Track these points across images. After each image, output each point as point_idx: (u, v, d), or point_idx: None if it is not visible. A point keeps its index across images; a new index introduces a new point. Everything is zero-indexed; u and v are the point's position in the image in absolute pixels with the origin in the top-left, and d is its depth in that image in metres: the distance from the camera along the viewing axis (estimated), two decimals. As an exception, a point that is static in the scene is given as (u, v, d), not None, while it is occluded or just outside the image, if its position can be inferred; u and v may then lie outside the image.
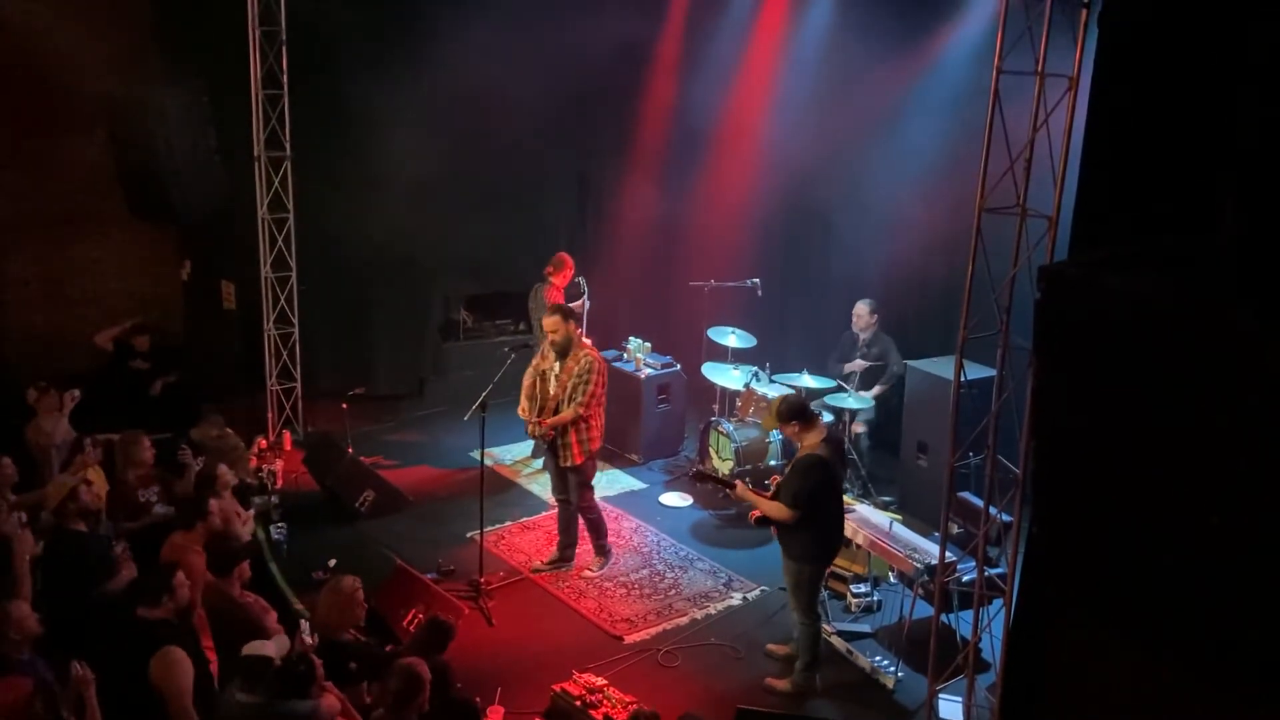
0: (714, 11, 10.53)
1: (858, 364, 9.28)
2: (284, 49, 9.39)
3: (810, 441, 6.51)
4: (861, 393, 9.09)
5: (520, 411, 7.87)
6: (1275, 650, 3.40)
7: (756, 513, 6.66)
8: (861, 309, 9.34)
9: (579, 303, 9.78)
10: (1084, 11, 5.21)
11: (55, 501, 6.45)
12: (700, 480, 7.33)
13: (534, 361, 7.93)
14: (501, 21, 9.90)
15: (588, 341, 9.66)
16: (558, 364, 7.68)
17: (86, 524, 6.52)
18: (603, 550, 8.06)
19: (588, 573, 7.94)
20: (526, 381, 7.89)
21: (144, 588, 5.62)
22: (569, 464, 7.71)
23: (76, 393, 8.16)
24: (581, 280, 9.86)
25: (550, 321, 7.65)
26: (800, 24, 10.13)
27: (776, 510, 6.44)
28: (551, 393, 7.67)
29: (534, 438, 7.91)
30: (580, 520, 8.04)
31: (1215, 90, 4.20)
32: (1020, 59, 5.39)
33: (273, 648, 5.23)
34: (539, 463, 9.52)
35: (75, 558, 6.31)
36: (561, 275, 9.69)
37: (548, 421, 7.61)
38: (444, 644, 5.97)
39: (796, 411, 6.59)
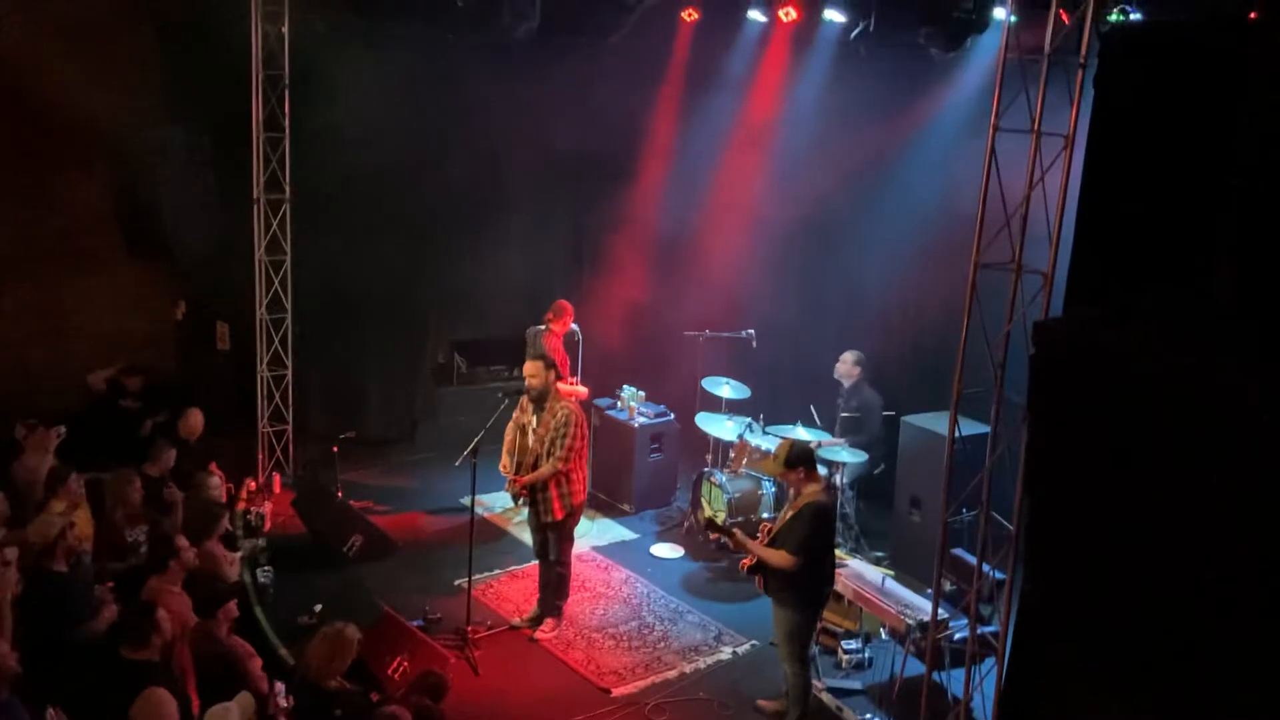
0: (712, 65, 10.63)
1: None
2: (286, 92, 9.46)
3: (812, 490, 6.48)
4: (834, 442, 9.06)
5: (501, 468, 7.74)
6: (1268, 710, 3.36)
7: (748, 561, 6.61)
8: (846, 357, 9.31)
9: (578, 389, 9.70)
10: (1080, 72, 5.27)
11: (41, 541, 6.37)
12: (712, 530, 7.16)
13: (515, 415, 7.78)
14: (502, 73, 10.00)
15: (583, 390, 9.68)
16: (535, 417, 7.57)
17: (68, 564, 6.45)
18: (558, 610, 7.89)
19: (540, 634, 7.77)
20: (508, 436, 7.75)
21: (127, 628, 5.53)
22: (549, 519, 7.60)
23: (62, 429, 8.11)
24: (576, 327, 9.88)
25: (531, 366, 7.56)
26: (798, 78, 10.23)
27: (779, 558, 6.36)
28: (530, 446, 7.55)
29: (510, 494, 7.75)
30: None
31: (1209, 150, 4.24)
32: (1017, 117, 5.44)
33: (236, 712, 5.13)
34: (527, 512, 9.46)
35: (55, 598, 6.23)
36: (561, 322, 9.70)
37: (523, 480, 7.49)
38: (438, 696, 5.89)
39: (805, 458, 6.58)
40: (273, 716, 5.38)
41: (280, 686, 5.87)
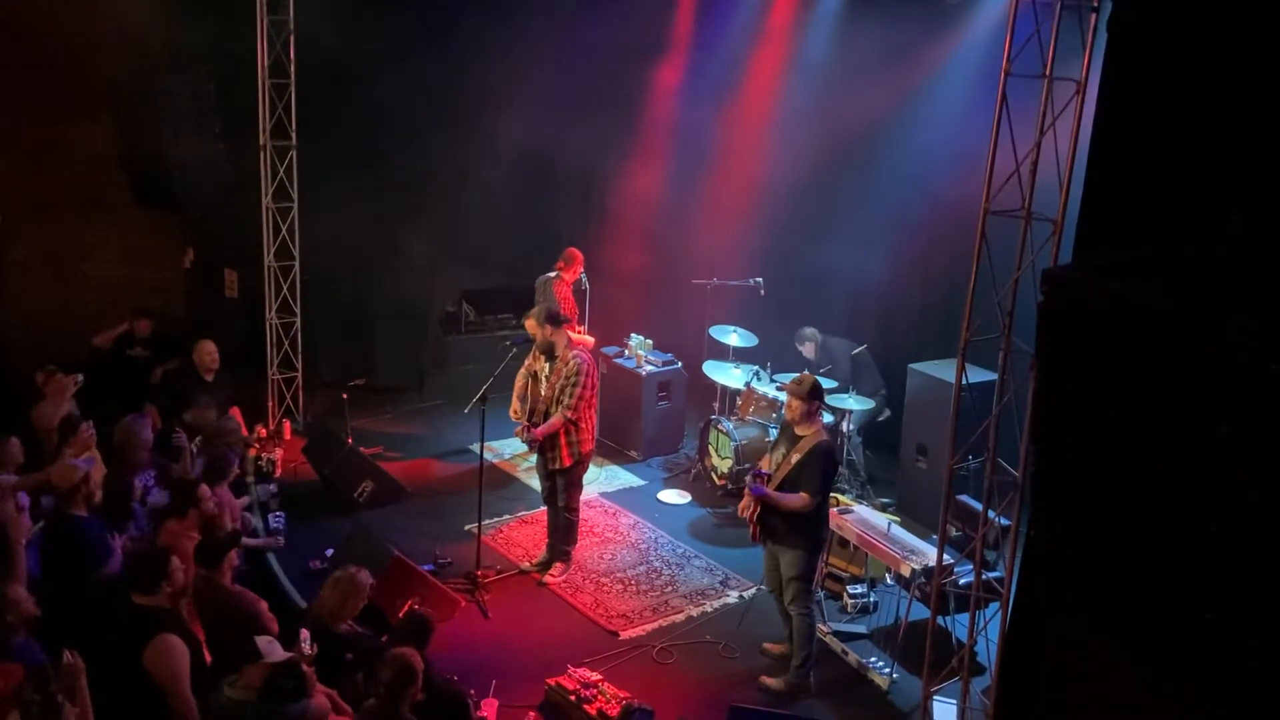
0: (722, 10, 10.52)
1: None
2: (291, 38, 9.38)
3: (815, 429, 6.56)
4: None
5: (512, 413, 7.80)
6: (1274, 657, 3.40)
7: (752, 520, 6.66)
8: (799, 336, 9.49)
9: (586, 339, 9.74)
10: (1093, 15, 5.20)
11: (65, 486, 6.42)
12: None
13: (527, 361, 7.84)
14: (510, 17, 9.90)
15: (589, 339, 9.70)
16: (547, 365, 7.61)
17: (88, 509, 6.51)
18: (566, 555, 7.98)
19: (549, 578, 7.87)
20: (519, 383, 7.81)
21: (138, 574, 5.59)
22: (557, 466, 7.66)
23: (80, 377, 8.16)
24: (584, 275, 9.88)
25: (528, 325, 7.65)
26: (808, 23, 10.12)
27: (799, 501, 6.44)
28: (542, 394, 7.60)
29: (523, 441, 7.81)
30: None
31: (1224, 98, 4.19)
32: (1028, 62, 5.38)
33: (279, 650, 5.19)
34: (535, 458, 9.50)
35: (75, 542, 6.30)
36: (571, 270, 9.70)
37: (540, 431, 7.52)
38: (423, 640, 5.87)
39: (823, 394, 6.74)
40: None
41: (305, 634, 5.92)
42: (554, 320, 7.68)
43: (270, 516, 8.10)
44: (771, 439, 9.04)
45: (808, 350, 9.49)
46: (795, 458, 6.51)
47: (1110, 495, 3.83)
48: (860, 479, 9.11)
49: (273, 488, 8.66)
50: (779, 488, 6.54)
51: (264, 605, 6.14)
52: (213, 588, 5.98)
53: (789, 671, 6.76)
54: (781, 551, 6.66)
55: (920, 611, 6.79)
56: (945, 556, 6.27)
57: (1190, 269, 4.06)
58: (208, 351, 8.84)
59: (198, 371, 8.81)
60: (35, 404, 7.95)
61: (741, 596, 7.79)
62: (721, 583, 7.98)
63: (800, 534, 6.57)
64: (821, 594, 7.42)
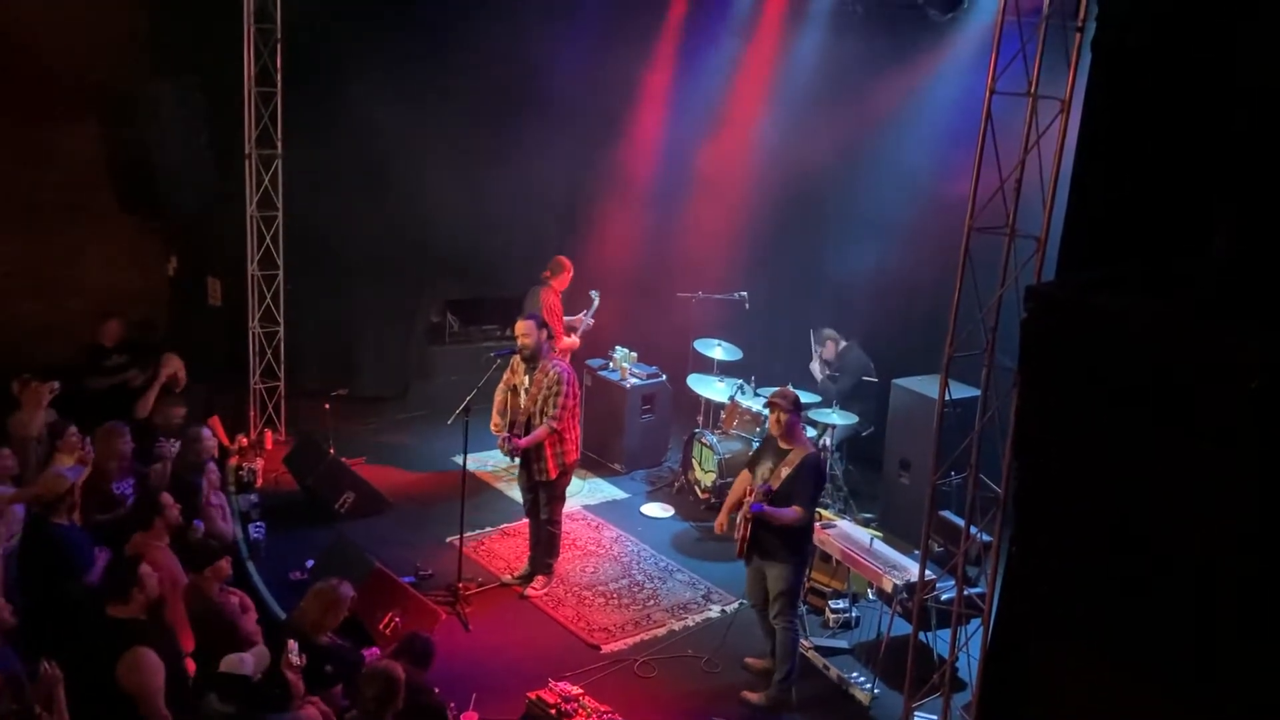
0: (709, 27, 10.56)
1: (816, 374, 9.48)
2: (279, 47, 9.37)
3: (802, 442, 6.62)
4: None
5: (493, 427, 7.77)
6: (1253, 672, 3.41)
7: (722, 522, 6.80)
8: (823, 336, 9.55)
9: (579, 317, 9.79)
10: (1078, 35, 5.25)
11: (50, 496, 6.36)
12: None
13: (505, 375, 7.81)
14: (498, 31, 9.92)
15: (576, 340, 9.70)
16: (527, 377, 7.59)
17: (70, 517, 6.47)
18: (548, 568, 7.95)
19: (531, 591, 7.84)
20: (498, 397, 7.77)
21: (111, 585, 5.53)
22: (543, 478, 7.63)
23: (56, 384, 8.09)
24: (594, 293, 9.86)
25: (523, 325, 7.57)
26: (794, 42, 10.17)
27: (792, 516, 6.46)
28: (522, 406, 7.57)
29: (505, 453, 7.77)
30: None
31: (1207, 115, 4.23)
32: (1013, 80, 5.42)
33: (251, 663, 5.15)
34: (518, 471, 9.47)
35: (56, 551, 6.25)
36: (560, 279, 9.68)
37: (523, 442, 7.48)
38: (426, 662, 5.77)
39: (801, 406, 6.88)
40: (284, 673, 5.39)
41: (293, 644, 5.88)
42: (544, 326, 7.73)
43: (251, 527, 8.05)
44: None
45: (827, 350, 9.50)
46: (785, 471, 6.51)
47: (1094, 510, 3.85)
48: (843, 494, 9.11)
49: (254, 498, 8.61)
50: (773, 501, 6.55)
51: (253, 613, 6.09)
52: (200, 595, 5.95)
53: (770, 686, 6.75)
54: (770, 566, 6.66)
55: (902, 627, 6.79)
56: (927, 572, 6.28)
57: (1173, 284, 4.09)
58: (174, 367, 8.76)
59: (166, 385, 8.73)
60: (11, 413, 7.88)
61: (724, 611, 7.78)
62: (704, 597, 7.96)
63: (791, 548, 6.60)
64: (804, 609, 7.42)
